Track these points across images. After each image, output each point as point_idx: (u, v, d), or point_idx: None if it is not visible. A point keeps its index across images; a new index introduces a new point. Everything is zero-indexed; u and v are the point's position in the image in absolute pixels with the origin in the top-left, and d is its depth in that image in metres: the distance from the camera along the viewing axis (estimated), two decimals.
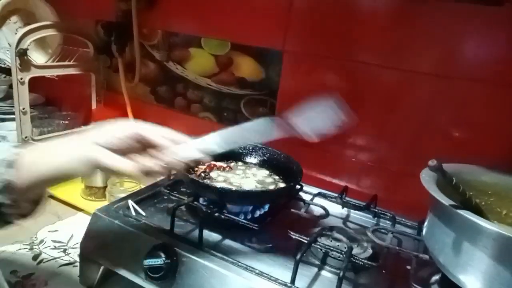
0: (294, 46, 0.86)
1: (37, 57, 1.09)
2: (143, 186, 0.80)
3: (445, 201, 0.50)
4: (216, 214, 0.64)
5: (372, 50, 0.79)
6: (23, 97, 0.94)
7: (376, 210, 0.74)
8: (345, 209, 0.78)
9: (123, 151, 0.50)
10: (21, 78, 0.93)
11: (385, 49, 0.78)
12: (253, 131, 0.57)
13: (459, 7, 0.69)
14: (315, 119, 0.58)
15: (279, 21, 0.86)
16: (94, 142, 0.49)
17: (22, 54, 0.92)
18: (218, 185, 0.70)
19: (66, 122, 1.15)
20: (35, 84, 0.98)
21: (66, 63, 1.06)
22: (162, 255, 0.58)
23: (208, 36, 0.95)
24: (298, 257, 0.54)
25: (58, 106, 1.27)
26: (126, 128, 0.51)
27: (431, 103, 0.76)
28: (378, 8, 0.77)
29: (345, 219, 0.77)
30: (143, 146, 0.52)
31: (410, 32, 0.75)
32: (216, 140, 0.55)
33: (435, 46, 0.73)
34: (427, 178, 0.55)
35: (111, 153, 0.49)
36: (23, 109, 0.95)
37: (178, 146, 0.52)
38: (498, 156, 0.70)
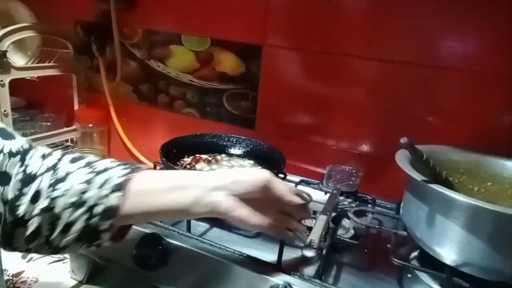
0: (274, 39, 0.88)
1: (17, 59, 1.08)
2: None
3: (417, 176, 0.53)
4: None
5: (350, 41, 0.81)
6: (4, 99, 0.94)
7: (357, 194, 0.76)
8: (328, 194, 0.80)
9: (249, 201, 0.47)
10: (1, 80, 0.93)
11: (363, 39, 0.80)
12: None
13: None
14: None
15: (257, 15, 0.88)
16: (222, 188, 0.46)
17: (1, 56, 0.92)
18: None
19: (49, 124, 1.15)
20: (16, 88, 0.98)
21: (46, 64, 1.06)
22: (151, 244, 0.59)
23: (188, 33, 0.97)
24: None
25: (39, 108, 1.26)
26: (258, 176, 0.47)
27: (408, 91, 0.79)
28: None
29: None
30: (269, 199, 0.48)
31: (387, 22, 0.78)
32: None
33: (412, 36, 0.76)
34: (401, 158, 0.58)
35: (243, 205, 0.46)
36: (5, 111, 0.95)
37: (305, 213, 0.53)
38: (472, 143, 0.74)
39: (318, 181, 0.80)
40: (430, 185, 0.50)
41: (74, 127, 1.15)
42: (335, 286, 0.52)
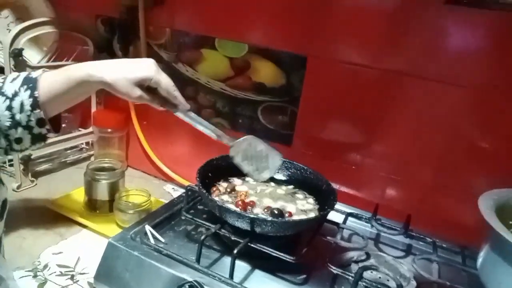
0: (320, 51, 0.79)
1: (31, 55, 1.00)
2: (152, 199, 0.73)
3: None
4: (249, 245, 0.57)
5: (402, 57, 0.73)
6: None
7: (413, 234, 0.68)
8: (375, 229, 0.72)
9: None
10: None
11: (414, 56, 0.72)
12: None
13: None
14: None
15: (304, 23, 0.78)
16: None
17: (17, 55, 0.83)
18: (252, 215, 0.63)
19: (64, 125, 1.06)
20: None
21: (63, 62, 0.97)
22: None
23: (223, 37, 0.87)
24: None
25: None
26: (144, 73, 0.56)
27: (466, 115, 0.71)
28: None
29: (376, 240, 0.72)
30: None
31: (441, 41, 0.69)
32: None
33: (468, 56, 0.68)
34: (488, 212, 0.50)
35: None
36: None
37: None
38: None
39: (367, 214, 0.72)
40: None
41: (91, 129, 1.06)
42: None
